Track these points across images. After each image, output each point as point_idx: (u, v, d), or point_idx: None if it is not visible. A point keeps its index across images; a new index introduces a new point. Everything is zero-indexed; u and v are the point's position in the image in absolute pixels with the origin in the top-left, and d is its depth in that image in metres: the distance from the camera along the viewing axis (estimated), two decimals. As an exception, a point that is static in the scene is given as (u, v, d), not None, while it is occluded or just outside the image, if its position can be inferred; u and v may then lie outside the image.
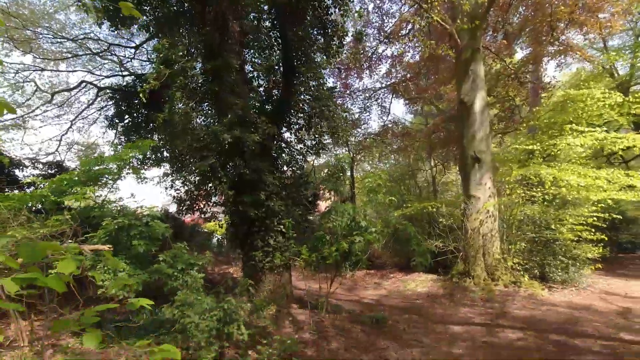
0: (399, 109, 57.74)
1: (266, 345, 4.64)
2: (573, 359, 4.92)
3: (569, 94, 9.80)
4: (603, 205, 9.85)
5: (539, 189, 9.43)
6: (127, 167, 6.58)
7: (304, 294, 6.37)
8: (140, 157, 7.86)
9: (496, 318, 6.91)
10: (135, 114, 7.26)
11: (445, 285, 9.22)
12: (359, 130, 16.76)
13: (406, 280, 10.09)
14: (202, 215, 8.54)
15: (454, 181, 17.69)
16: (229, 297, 4.63)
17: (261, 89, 7.21)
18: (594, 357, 4.96)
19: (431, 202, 10.01)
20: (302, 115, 7.34)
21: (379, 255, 11.84)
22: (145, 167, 8.10)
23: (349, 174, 18.37)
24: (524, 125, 12.24)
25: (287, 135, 8.02)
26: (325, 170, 7.09)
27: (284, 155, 7.20)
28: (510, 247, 9.68)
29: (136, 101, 6.95)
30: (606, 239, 9.66)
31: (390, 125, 16.31)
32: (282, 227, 6.57)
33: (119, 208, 5.44)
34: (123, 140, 8.04)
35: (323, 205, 10.53)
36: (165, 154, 7.87)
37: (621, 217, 13.61)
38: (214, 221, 9.13)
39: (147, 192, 51.59)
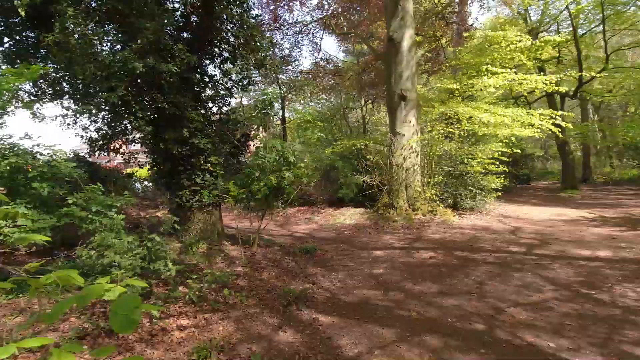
0: (331, 46, 56.42)
1: (197, 279, 4.66)
2: (471, 268, 5.76)
3: (487, 35, 10.33)
4: (507, 141, 11.08)
5: (456, 127, 10.22)
6: (15, 100, 5.60)
7: (236, 231, 6.42)
8: (31, 88, 6.75)
9: (413, 242, 7.71)
10: (17, 36, 6.02)
11: (371, 217, 9.94)
12: (290, 67, 16.21)
13: (336, 214, 10.65)
14: (121, 157, 7.85)
15: (383, 120, 18.35)
16: (154, 235, 4.47)
17: (177, 13, 6.40)
18: (488, 266, 5.86)
19: (360, 140, 10.35)
20: (226, 46, 6.77)
21: (311, 192, 12.21)
22: (42, 101, 6.99)
23: (280, 113, 18.03)
24: (447, 65, 12.80)
25: (211, 68, 7.43)
26: (254, 106, 6.81)
27: (208, 89, 6.70)
28: (429, 180, 10.60)
29: (17, 19, 5.74)
30: (507, 170, 11.00)
31: (322, 64, 15.96)
32: (209, 165, 6.33)
33: (7, 146, 4.68)
34: (4, 68, 6.71)
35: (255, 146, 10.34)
36: (66, 86, 6.83)
37: (520, 152, 15.48)
38: (140, 166, 8.47)
39: (52, 134, 45.74)
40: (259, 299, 4.69)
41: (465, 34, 12.46)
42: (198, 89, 6.48)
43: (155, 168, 6.46)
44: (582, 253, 6.44)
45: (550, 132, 11.95)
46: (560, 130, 11.69)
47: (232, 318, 4.11)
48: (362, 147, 10.38)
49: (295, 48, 16.00)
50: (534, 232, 8.36)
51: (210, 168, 6.33)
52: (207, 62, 6.73)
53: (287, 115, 18.56)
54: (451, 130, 9.99)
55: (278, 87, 16.14)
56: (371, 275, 5.65)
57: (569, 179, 17.60)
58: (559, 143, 17.70)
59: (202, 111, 6.55)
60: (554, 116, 10.25)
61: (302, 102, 16.94)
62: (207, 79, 6.64)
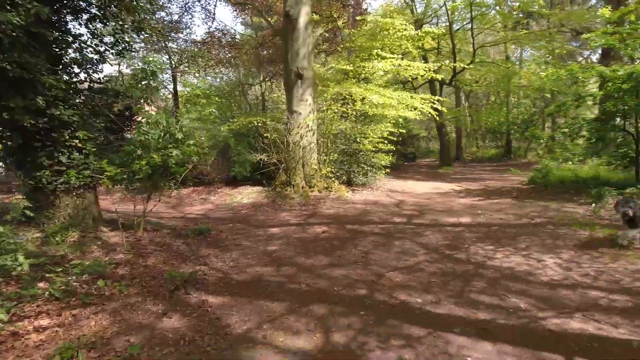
0: (227, 17, 53.33)
1: (62, 272, 4.04)
2: (360, 240, 6.21)
3: (377, 20, 10.88)
4: (396, 122, 12.08)
5: (350, 107, 10.71)
6: None
7: (118, 216, 5.74)
8: None
9: (309, 218, 7.97)
10: None
11: (269, 195, 9.93)
12: (181, 35, 14.80)
13: (233, 193, 10.37)
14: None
15: (283, 98, 18.25)
16: (-3, 225, 3.69)
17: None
18: (374, 237, 6.39)
19: (257, 117, 10.14)
20: (94, 1, 5.79)
21: (208, 172, 11.61)
22: None
23: (172, 86, 16.51)
24: (343, 47, 13.22)
25: (76, 26, 6.29)
26: (132, 76, 6.01)
27: (71, 51, 5.66)
28: (325, 158, 10.99)
29: None
30: (394, 149, 12.04)
31: (217, 34, 14.93)
32: (77, 141, 5.45)
33: None
34: None
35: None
36: None
37: (407, 133, 17.02)
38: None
39: None
40: (142, 286, 4.31)
41: (358, 18, 12.97)
42: (57, 50, 5.44)
43: (0, 144, 5.31)
44: (450, 220, 7.47)
45: (430, 115, 13.42)
46: (437, 113, 13.20)
47: (107, 311, 3.71)
48: (260, 124, 10.19)
49: (185, 14, 14.63)
50: (415, 204, 9.40)
51: (79, 145, 5.47)
52: (70, 18, 5.67)
53: (180, 89, 17.11)
54: (345, 110, 10.45)
55: (168, 57, 14.69)
56: (265, 253, 5.66)
57: (445, 157, 20.20)
58: (438, 125, 20.07)
59: (65, 77, 5.55)
60: (433, 101, 11.49)
61: (196, 75, 15.74)
62: (69, 39, 5.61)
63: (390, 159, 12.27)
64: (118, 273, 4.66)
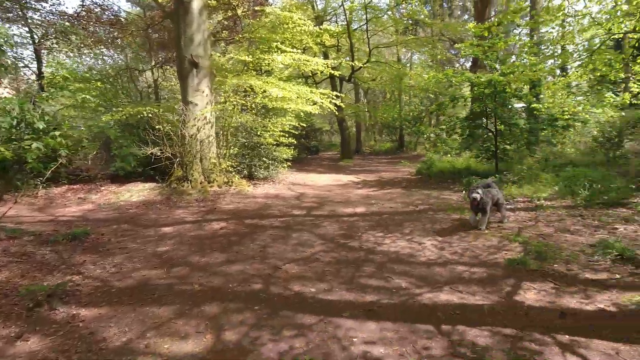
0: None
1: None
2: (259, 234, 6.14)
3: (276, 12, 10.81)
4: (298, 116, 12.23)
5: (250, 99, 10.48)
6: None
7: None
8: None
9: (206, 214, 7.60)
10: None
11: (163, 192, 9.18)
12: (45, 5, 12.44)
13: (120, 191, 9.30)
14: None
15: (178, 86, 16.97)
16: None
17: None
18: (273, 230, 6.39)
19: (147, 107, 9.22)
20: None
21: (88, 167, 10.18)
22: None
23: (35, 66, 13.99)
24: (242, 37, 12.84)
25: None
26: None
27: None
28: (225, 151, 10.59)
29: None
30: (296, 142, 12.19)
31: (94, 9, 13.00)
32: None
33: None
34: None
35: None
36: None
37: (310, 126, 17.38)
38: None
39: None
40: (-11, 307, 3.58)
41: (257, 8, 12.71)
42: None
43: None
44: (346, 211, 7.88)
45: (330, 110, 13.95)
46: (337, 108, 13.77)
47: None
48: (151, 115, 9.29)
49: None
50: (315, 196, 9.69)
51: None
52: None
53: (52, 70, 14.58)
54: (244, 102, 10.19)
55: (28, 30, 12.31)
56: (155, 254, 5.21)
57: (346, 151, 21.25)
58: (339, 119, 20.98)
59: None
60: (332, 96, 11.91)
61: (70, 54, 13.56)
62: None
63: (292, 152, 12.41)
64: (-46, 294, 3.79)
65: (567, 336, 2.99)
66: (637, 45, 7.67)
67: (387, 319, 3.36)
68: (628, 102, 8.01)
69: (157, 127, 9.05)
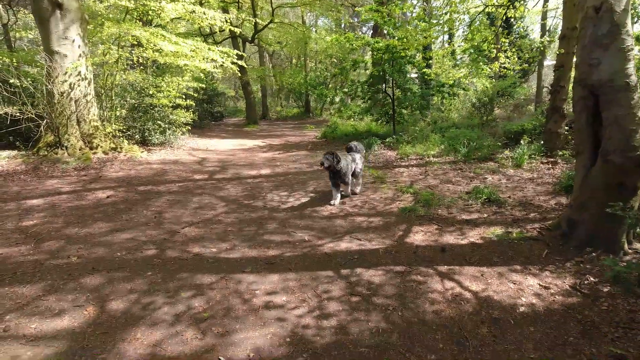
0: None
1: None
2: (153, 201, 5.60)
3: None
4: (196, 77, 11.22)
5: (138, 52, 9.21)
6: None
7: None
8: None
9: (89, 183, 6.63)
10: None
11: (29, 160, 7.68)
12: None
13: (-33, 162, 7.51)
14: None
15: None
16: None
17: None
18: (170, 196, 5.89)
19: (-3, 56, 7.40)
20: None
21: None
22: None
23: None
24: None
25: None
26: None
27: None
28: (109, 113, 9.27)
29: None
30: (194, 104, 11.27)
31: None
32: None
33: None
34: None
35: None
36: None
37: (211, 90, 16.32)
38: None
39: None
40: None
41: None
42: None
43: None
44: (251, 173, 7.67)
45: (233, 72, 13.15)
46: (239, 69, 13.04)
47: None
48: (1, 64, 7.49)
49: None
50: (218, 160, 9.20)
51: None
52: None
53: None
54: (129, 56, 8.91)
55: None
56: (17, 230, 4.37)
57: (251, 116, 20.55)
58: (243, 83, 20.02)
59: None
60: (233, 55, 11.17)
61: None
62: None
63: (192, 116, 11.48)
64: None
65: (445, 266, 3.40)
66: (505, 19, 8.74)
67: (288, 270, 3.39)
68: (497, 70, 9.17)
69: (12, 81, 7.36)
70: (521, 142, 7.80)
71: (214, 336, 2.44)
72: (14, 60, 7.48)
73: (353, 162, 5.61)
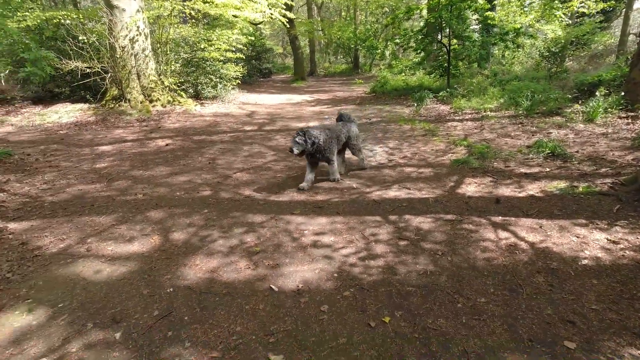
0: None
1: None
2: (207, 149, 5.86)
3: None
4: (245, 32, 11.14)
5: (189, 3, 9.28)
6: None
7: None
8: None
9: (150, 133, 7.07)
10: None
11: (98, 112, 8.31)
12: None
13: (46, 112, 8.28)
14: None
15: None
16: None
17: None
18: (222, 145, 6.12)
19: (63, 12, 7.84)
20: None
21: (1, 88, 8.85)
22: None
23: None
24: None
25: None
26: None
27: None
28: (166, 68, 9.61)
29: None
30: (244, 57, 11.30)
31: None
32: None
33: None
34: None
35: None
36: None
37: (257, 46, 16.21)
38: None
39: None
40: None
41: None
42: None
43: None
44: (299, 125, 7.68)
45: (281, 26, 12.89)
46: (288, 22, 12.73)
47: None
48: (70, 22, 7.95)
49: None
50: (267, 114, 9.31)
51: None
52: None
53: None
54: (182, 8, 9.00)
55: None
56: (92, 171, 4.83)
57: (299, 72, 20.30)
58: (291, 37, 19.61)
59: None
60: (281, 5, 10.88)
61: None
62: None
63: (242, 69, 11.58)
64: None
65: (500, 217, 3.24)
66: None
67: (337, 214, 3.43)
68: (574, 10, 8.06)
69: (80, 37, 7.82)
70: (596, 94, 6.96)
71: (265, 267, 2.58)
72: (81, 17, 7.89)
73: (347, 134, 4.33)
